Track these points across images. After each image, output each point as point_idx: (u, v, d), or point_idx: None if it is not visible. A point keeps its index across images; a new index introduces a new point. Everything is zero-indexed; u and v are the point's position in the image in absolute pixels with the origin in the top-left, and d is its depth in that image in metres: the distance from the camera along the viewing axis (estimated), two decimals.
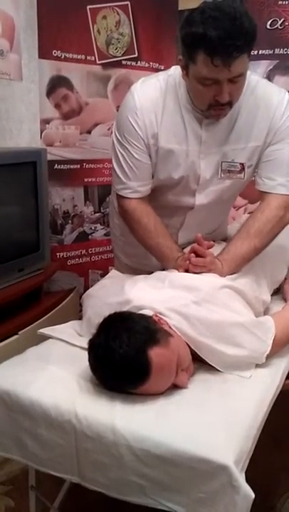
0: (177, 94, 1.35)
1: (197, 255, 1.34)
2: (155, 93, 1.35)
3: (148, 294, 1.25)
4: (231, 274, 1.37)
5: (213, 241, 1.48)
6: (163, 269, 1.45)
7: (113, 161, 1.45)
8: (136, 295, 1.23)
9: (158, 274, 1.38)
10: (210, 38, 1.10)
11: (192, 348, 1.15)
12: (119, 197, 1.47)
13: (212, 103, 1.26)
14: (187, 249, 1.43)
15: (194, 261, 1.33)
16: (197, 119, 1.36)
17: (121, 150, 1.40)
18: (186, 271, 1.34)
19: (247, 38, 1.13)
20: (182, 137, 1.37)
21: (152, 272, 1.43)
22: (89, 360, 1.07)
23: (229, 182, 1.44)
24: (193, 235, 1.42)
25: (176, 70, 1.34)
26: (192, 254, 1.34)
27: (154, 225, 1.44)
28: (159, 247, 1.44)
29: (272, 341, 1.19)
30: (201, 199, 1.48)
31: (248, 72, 1.31)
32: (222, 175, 1.42)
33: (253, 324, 1.20)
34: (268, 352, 1.18)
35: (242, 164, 1.40)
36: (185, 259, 1.36)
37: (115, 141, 1.42)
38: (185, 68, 1.25)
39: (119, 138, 1.40)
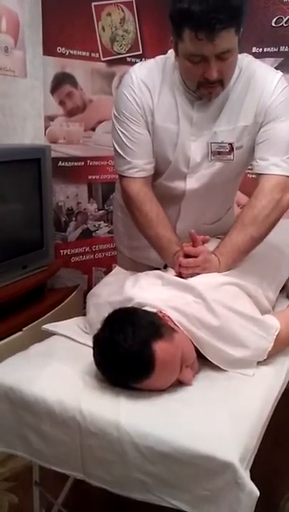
0: (171, 76, 1.36)
1: (188, 256, 1.31)
2: (152, 72, 1.37)
3: (149, 292, 1.24)
4: (229, 268, 1.35)
5: (218, 237, 1.48)
6: (165, 264, 1.44)
7: (115, 144, 1.44)
8: (137, 294, 1.23)
9: (158, 273, 1.36)
10: (194, 12, 1.11)
11: (195, 345, 1.15)
12: (124, 179, 1.45)
13: (201, 81, 1.25)
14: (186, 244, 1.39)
15: (184, 263, 1.29)
16: (189, 101, 1.36)
17: (121, 128, 1.40)
18: (180, 274, 1.31)
19: (231, 12, 1.13)
20: (174, 117, 1.38)
21: (154, 267, 1.43)
22: (93, 355, 1.07)
23: (219, 165, 1.42)
24: (191, 228, 1.40)
25: (172, 53, 1.35)
26: (181, 258, 1.30)
27: (156, 213, 1.42)
28: (159, 238, 1.43)
29: (274, 338, 1.18)
30: (191, 183, 1.45)
31: (243, 55, 1.33)
32: (212, 157, 1.40)
33: (255, 322, 1.19)
34: (269, 349, 1.17)
35: (230, 144, 1.38)
36: (176, 263, 1.33)
37: (115, 121, 1.42)
38: (175, 48, 1.26)
39: (118, 115, 1.40)
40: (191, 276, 1.29)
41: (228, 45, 1.18)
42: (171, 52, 1.36)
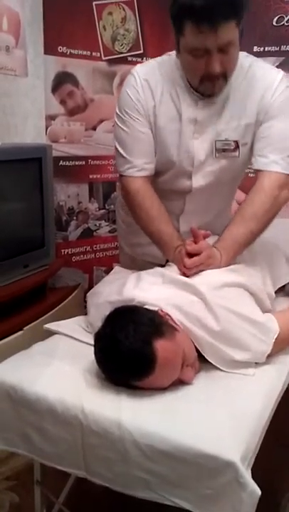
0: (174, 75, 1.37)
1: (192, 255, 1.30)
2: (154, 72, 1.39)
3: (150, 292, 1.24)
4: (230, 262, 1.34)
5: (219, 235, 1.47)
6: (166, 261, 1.44)
7: (116, 143, 1.45)
8: (138, 294, 1.23)
9: (160, 270, 1.36)
10: (195, 5, 1.12)
11: (195, 345, 1.15)
12: (124, 178, 1.46)
13: (204, 75, 1.26)
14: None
15: (189, 264, 1.28)
16: (193, 100, 1.37)
17: (123, 127, 1.41)
18: (184, 274, 1.30)
19: (232, 4, 1.15)
20: (176, 117, 1.39)
21: (156, 263, 1.43)
22: (95, 352, 1.07)
23: (225, 162, 1.43)
24: (194, 222, 1.41)
25: (174, 53, 1.36)
26: (186, 260, 1.29)
27: (157, 210, 1.42)
28: (160, 234, 1.43)
29: (273, 341, 1.18)
30: (198, 181, 1.46)
31: (244, 54, 1.34)
32: (216, 154, 1.41)
33: (255, 325, 1.18)
34: (268, 352, 1.17)
35: (236, 142, 1.39)
36: (178, 260, 1.33)
37: (117, 121, 1.43)
38: (177, 44, 1.26)
39: (121, 114, 1.41)
40: (195, 273, 1.29)
41: (230, 37, 1.19)
42: (172, 52, 1.36)
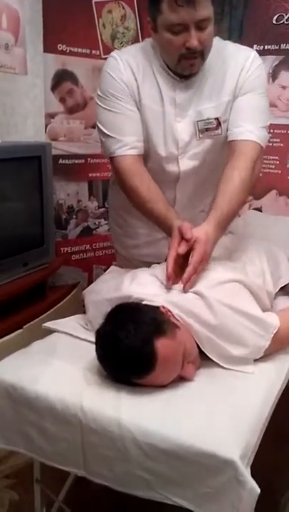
0: (152, 59, 1.39)
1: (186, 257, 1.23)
2: (135, 54, 1.40)
3: (147, 288, 1.23)
4: (220, 236, 1.30)
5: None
6: (165, 259, 1.43)
7: (102, 127, 1.42)
8: (135, 291, 1.22)
9: (156, 267, 1.36)
10: None
11: (196, 341, 1.15)
12: (115, 159, 1.42)
13: (183, 53, 1.28)
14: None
15: (185, 278, 1.19)
16: (171, 83, 1.39)
17: (109, 107, 1.40)
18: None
19: None
20: (158, 99, 1.40)
21: (155, 263, 1.42)
22: (96, 350, 1.07)
23: (209, 142, 1.44)
24: (188, 215, 1.39)
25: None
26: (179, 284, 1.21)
27: (147, 188, 1.39)
28: (153, 214, 1.40)
29: (272, 336, 1.17)
30: (184, 164, 1.46)
31: (217, 38, 1.37)
32: (200, 135, 1.42)
33: (254, 320, 1.17)
34: (266, 346, 1.17)
35: (217, 119, 1.41)
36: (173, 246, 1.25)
37: (101, 103, 1.41)
38: (154, 25, 1.29)
39: (105, 96, 1.40)
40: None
41: (207, 13, 1.23)
42: (149, 39, 1.40)
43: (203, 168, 1.48)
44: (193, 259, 1.21)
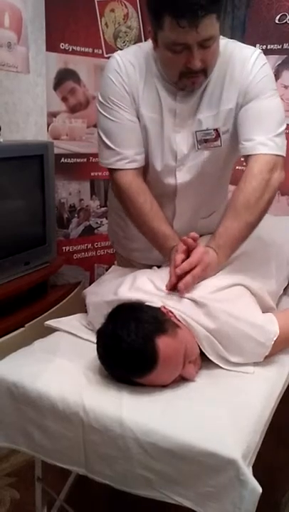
0: (153, 66, 1.32)
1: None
2: (137, 56, 1.33)
3: (146, 294, 1.22)
4: (228, 258, 1.29)
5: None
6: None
7: (101, 133, 1.37)
8: (133, 294, 1.21)
9: (157, 271, 1.35)
10: (175, 0, 1.08)
11: (196, 341, 1.14)
12: (114, 172, 1.39)
13: (183, 71, 1.21)
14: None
15: (183, 286, 1.18)
16: (171, 92, 1.32)
17: (109, 115, 1.34)
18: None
19: None
20: (158, 108, 1.34)
21: (156, 265, 1.41)
22: (97, 349, 1.07)
23: (207, 154, 1.37)
24: (187, 224, 1.37)
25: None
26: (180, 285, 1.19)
27: (150, 206, 1.36)
28: (154, 233, 1.37)
29: (272, 344, 1.16)
30: (182, 177, 1.40)
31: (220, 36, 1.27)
32: (199, 146, 1.36)
33: (254, 328, 1.16)
34: (266, 353, 1.16)
35: (216, 130, 1.33)
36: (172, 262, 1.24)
37: (101, 110, 1.36)
38: (155, 38, 1.22)
39: (105, 102, 1.35)
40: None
41: (211, 32, 1.14)
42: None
43: (202, 179, 1.43)
44: (189, 259, 1.21)
